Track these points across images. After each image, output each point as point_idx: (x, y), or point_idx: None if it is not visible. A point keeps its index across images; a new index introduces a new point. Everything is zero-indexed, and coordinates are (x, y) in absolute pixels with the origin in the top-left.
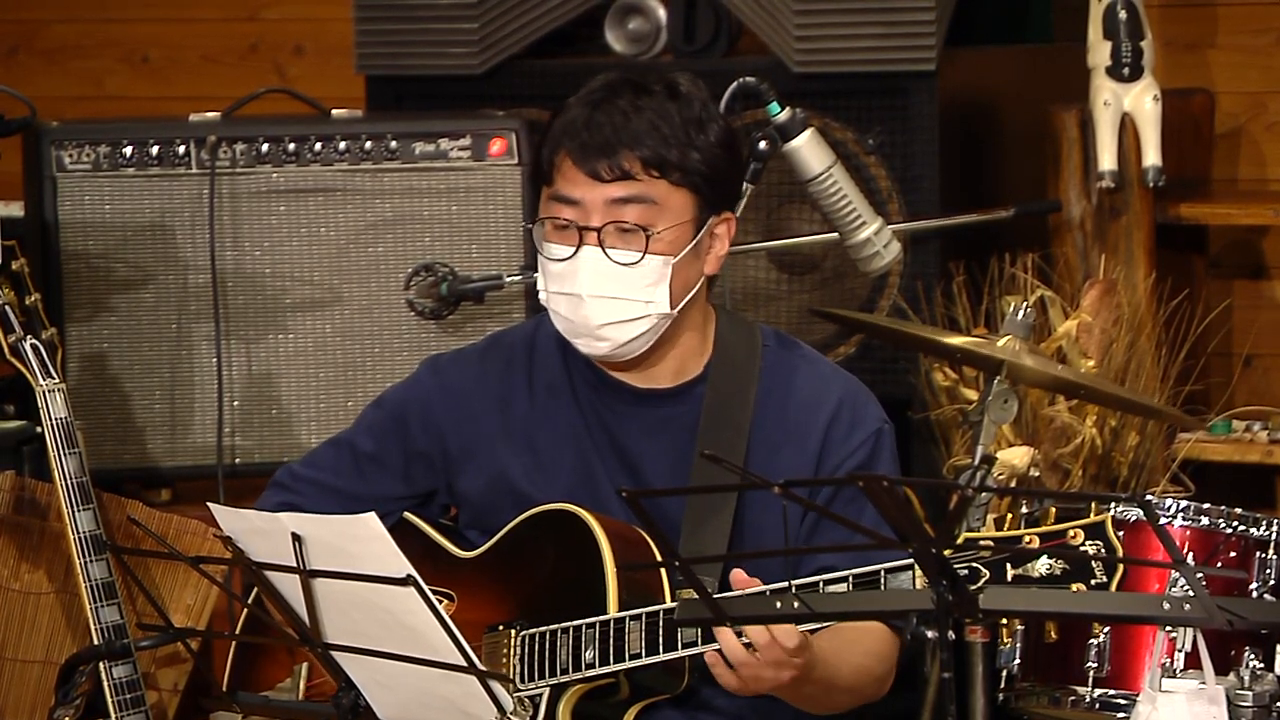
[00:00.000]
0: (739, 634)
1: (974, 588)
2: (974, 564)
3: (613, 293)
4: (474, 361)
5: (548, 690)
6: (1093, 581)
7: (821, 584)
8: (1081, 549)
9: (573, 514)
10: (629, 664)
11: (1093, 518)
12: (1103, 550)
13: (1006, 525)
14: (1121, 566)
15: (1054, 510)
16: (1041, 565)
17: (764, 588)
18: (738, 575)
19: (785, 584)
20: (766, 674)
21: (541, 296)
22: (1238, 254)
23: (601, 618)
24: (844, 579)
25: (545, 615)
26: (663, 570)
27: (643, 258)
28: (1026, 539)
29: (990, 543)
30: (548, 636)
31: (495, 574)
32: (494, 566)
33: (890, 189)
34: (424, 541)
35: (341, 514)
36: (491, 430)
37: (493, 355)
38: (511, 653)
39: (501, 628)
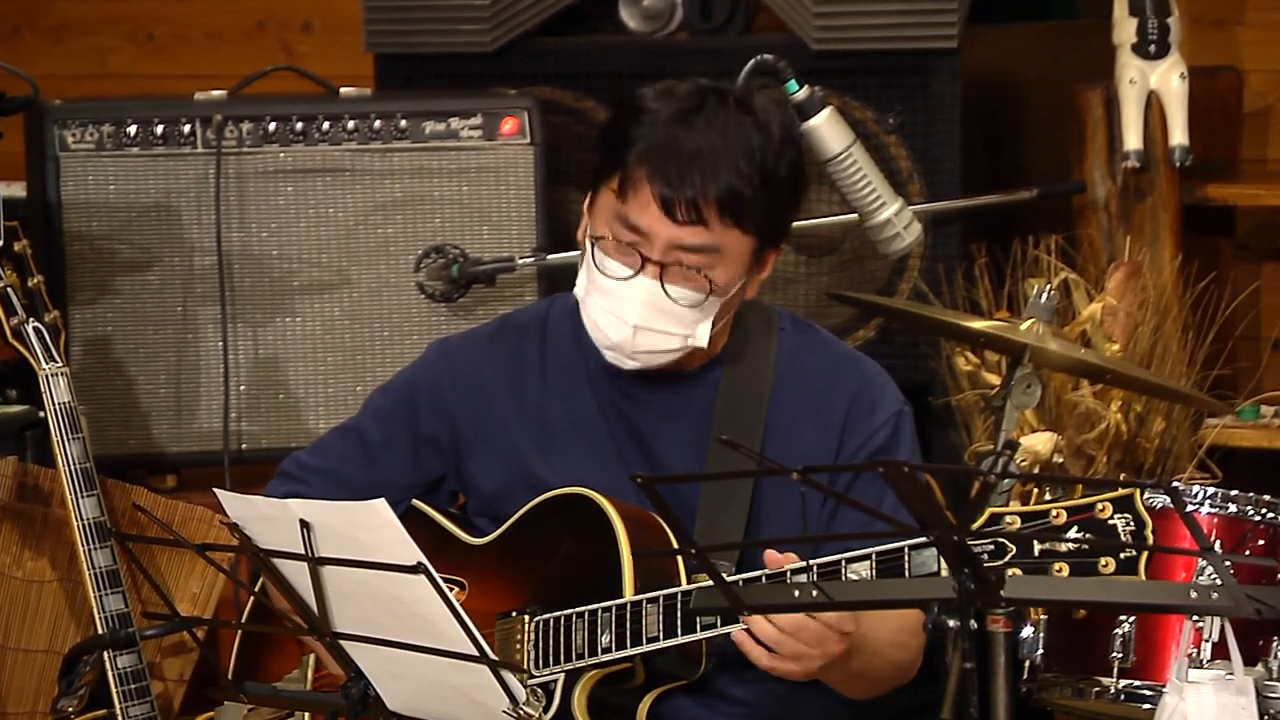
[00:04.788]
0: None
1: (999, 564)
2: (1000, 539)
3: (660, 326)
4: (484, 343)
5: (563, 676)
6: (1121, 556)
7: (844, 564)
8: (1110, 522)
9: (587, 498)
10: (646, 647)
11: (1121, 491)
12: (1131, 523)
13: (1034, 500)
14: (1150, 539)
15: (1080, 486)
16: (1069, 540)
17: (791, 566)
18: (771, 555)
19: (806, 565)
20: (813, 655)
21: (578, 291)
22: (1266, 236)
23: (618, 601)
24: (866, 557)
25: (560, 601)
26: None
27: (704, 300)
28: (1054, 512)
29: (1017, 518)
30: (563, 621)
31: (508, 560)
32: (506, 552)
33: (911, 169)
34: (434, 529)
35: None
36: (504, 412)
37: (503, 336)
38: (525, 639)
39: (515, 614)
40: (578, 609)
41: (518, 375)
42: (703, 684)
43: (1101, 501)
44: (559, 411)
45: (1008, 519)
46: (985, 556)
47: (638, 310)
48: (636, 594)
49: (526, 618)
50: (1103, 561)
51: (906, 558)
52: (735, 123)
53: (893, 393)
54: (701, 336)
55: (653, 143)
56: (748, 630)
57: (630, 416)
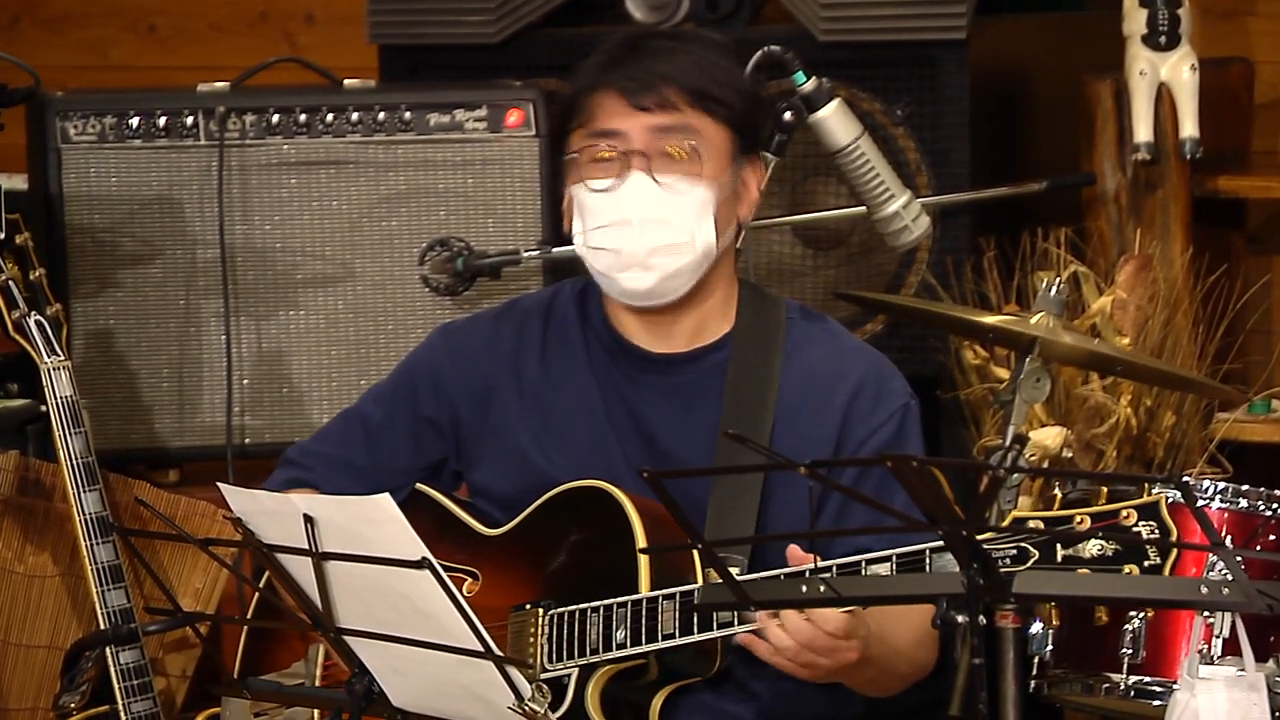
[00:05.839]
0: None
1: (1021, 569)
2: (1024, 545)
3: (662, 217)
4: (487, 325)
5: (576, 671)
6: (1145, 564)
7: (864, 565)
8: (1134, 530)
9: (604, 491)
10: (662, 644)
11: (1146, 498)
12: (1156, 531)
13: (1056, 505)
14: (1174, 548)
15: (1105, 490)
16: (1093, 546)
17: (806, 565)
18: (794, 551)
19: (825, 565)
20: (822, 660)
21: (577, 241)
22: (1277, 228)
23: (634, 596)
24: (887, 559)
25: (574, 595)
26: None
27: (692, 184)
28: (1078, 519)
29: (1040, 523)
30: (577, 616)
31: (523, 552)
32: (522, 544)
33: (919, 161)
34: (447, 518)
35: (353, 486)
36: (503, 396)
37: (507, 318)
38: (539, 632)
39: (529, 607)
40: (593, 604)
41: (518, 359)
42: (718, 679)
43: (1126, 508)
44: (557, 392)
45: (1031, 524)
46: (1008, 561)
47: (635, 206)
48: (652, 590)
49: (541, 611)
50: (1126, 568)
51: (928, 560)
52: (676, 38)
53: (899, 386)
54: (706, 232)
55: (602, 66)
56: (757, 633)
57: (629, 398)
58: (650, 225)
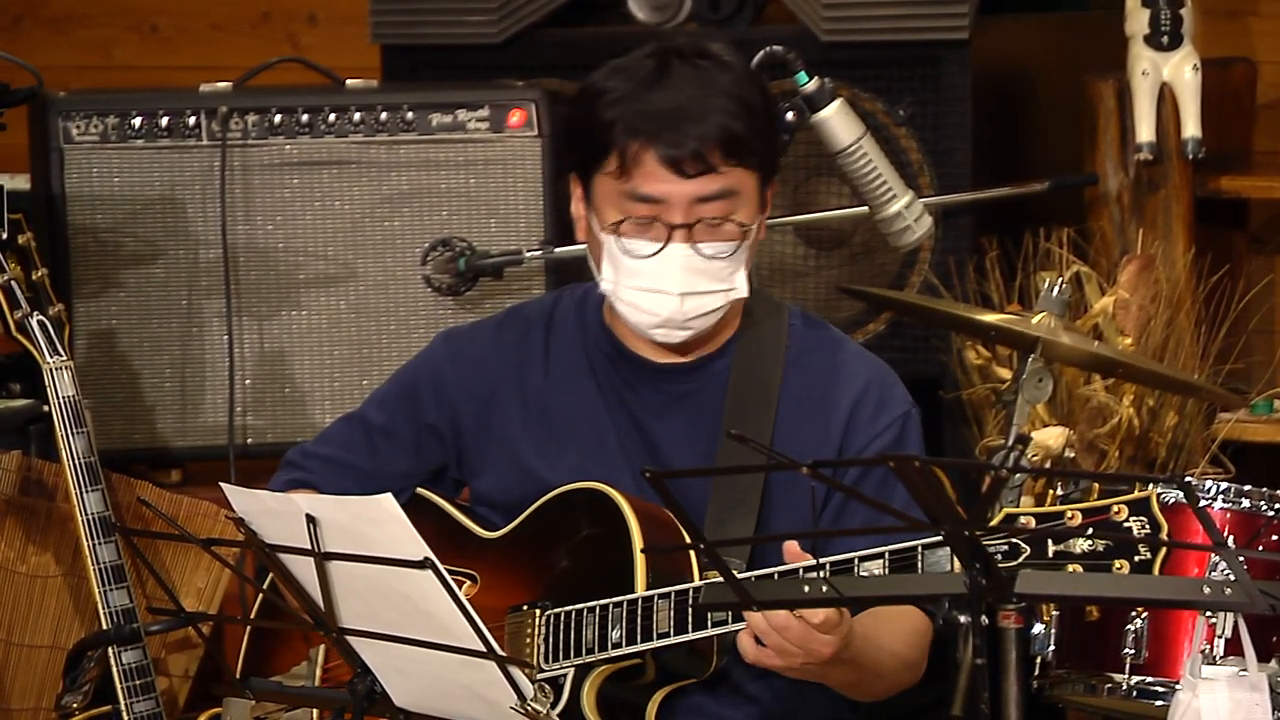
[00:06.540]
0: None
1: (1012, 565)
2: (1014, 540)
3: (703, 287)
4: (489, 332)
5: (572, 671)
6: (1136, 559)
7: (857, 561)
8: (1125, 525)
9: (601, 493)
10: (657, 643)
11: (1137, 494)
12: (1147, 526)
13: (1048, 502)
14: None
15: (1098, 487)
16: (1084, 542)
17: (802, 564)
18: (790, 548)
19: (819, 563)
20: (796, 653)
21: (607, 288)
22: (1279, 228)
23: (629, 596)
24: (879, 555)
25: (571, 596)
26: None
27: (732, 247)
28: (1069, 515)
29: (1032, 519)
30: (573, 616)
31: (520, 554)
32: (519, 546)
33: (921, 161)
34: (446, 521)
35: (353, 490)
36: (506, 403)
37: (509, 326)
38: (536, 633)
39: (525, 608)
40: (589, 604)
41: (521, 366)
42: (715, 680)
43: (1117, 504)
44: (560, 401)
45: (1022, 520)
46: (999, 557)
47: (679, 278)
48: (648, 590)
49: (538, 612)
50: (1117, 563)
51: (920, 557)
52: (701, 70)
53: (900, 394)
54: (741, 286)
55: (635, 113)
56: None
57: (632, 407)
58: (690, 297)
